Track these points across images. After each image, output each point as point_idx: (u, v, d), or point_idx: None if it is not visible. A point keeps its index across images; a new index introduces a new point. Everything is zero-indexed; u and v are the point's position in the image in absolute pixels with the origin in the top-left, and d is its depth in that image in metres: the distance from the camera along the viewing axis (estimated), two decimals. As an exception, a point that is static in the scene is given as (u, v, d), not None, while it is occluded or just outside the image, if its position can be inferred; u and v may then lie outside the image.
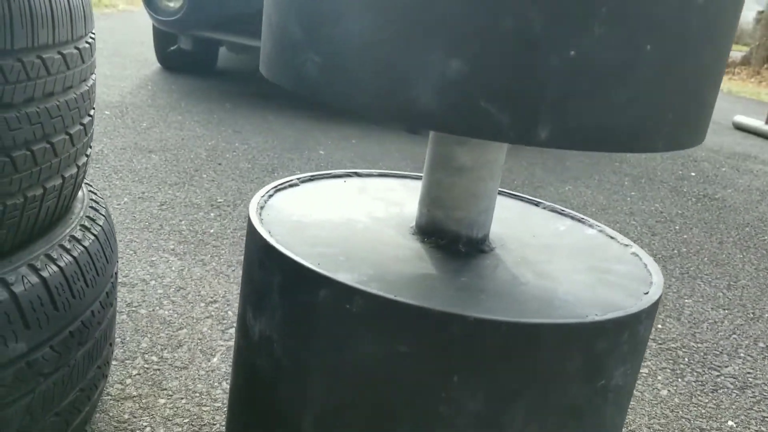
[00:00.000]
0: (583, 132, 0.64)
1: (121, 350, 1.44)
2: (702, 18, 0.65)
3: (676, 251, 2.51)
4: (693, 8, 0.64)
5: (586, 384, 0.74)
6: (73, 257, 1.02)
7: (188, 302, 1.68)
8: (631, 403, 1.50)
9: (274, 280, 0.79)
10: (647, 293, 0.82)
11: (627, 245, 0.98)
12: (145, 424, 1.23)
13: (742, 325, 1.97)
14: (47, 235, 1.03)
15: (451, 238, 0.89)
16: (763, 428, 1.46)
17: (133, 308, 1.62)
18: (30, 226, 0.98)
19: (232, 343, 1.53)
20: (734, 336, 1.89)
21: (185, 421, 1.25)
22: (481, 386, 0.70)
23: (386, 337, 0.71)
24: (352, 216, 0.95)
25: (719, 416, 1.49)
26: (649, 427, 1.42)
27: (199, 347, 1.49)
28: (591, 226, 1.04)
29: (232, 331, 1.58)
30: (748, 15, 13.64)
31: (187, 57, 4.39)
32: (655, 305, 0.80)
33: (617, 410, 0.80)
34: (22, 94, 0.88)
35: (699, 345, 1.81)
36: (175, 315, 1.61)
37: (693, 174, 3.73)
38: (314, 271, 0.74)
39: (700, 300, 2.10)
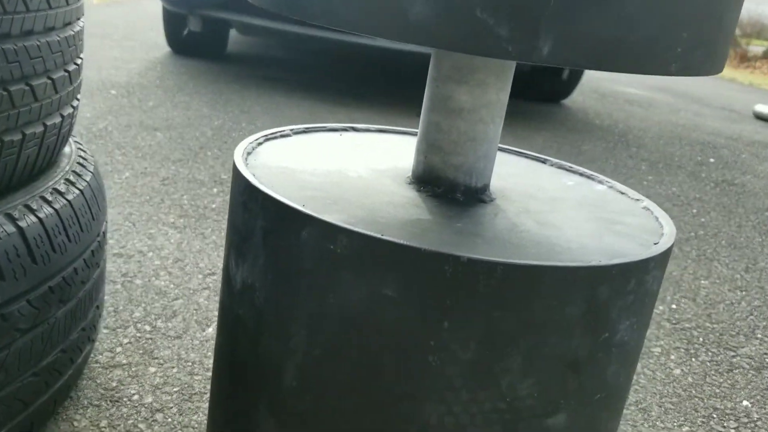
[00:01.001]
0: (589, 46, 0.58)
1: (113, 319, 1.40)
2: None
3: (693, 234, 2.44)
4: None
5: (588, 335, 0.68)
6: (55, 209, 0.98)
7: (186, 274, 1.64)
8: (642, 381, 1.43)
9: (256, 223, 0.73)
10: (657, 243, 0.76)
11: (638, 200, 0.92)
12: (133, 391, 1.18)
13: (759, 306, 1.89)
14: (28, 187, 0.99)
15: (449, 187, 0.83)
16: (781, 408, 1.40)
17: (129, 278, 1.57)
18: (8, 174, 0.94)
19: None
20: (751, 317, 1.82)
21: (175, 389, 1.20)
22: (473, 334, 0.65)
23: (372, 280, 0.65)
24: (346, 165, 0.89)
25: (734, 396, 1.42)
26: (660, 406, 1.35)
27: (195, 317, 1.45)
28: (600, 182, 0.98)
29: (229, 301, 1.53)
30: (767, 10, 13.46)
31: (198, 40, 4.35)
32: (665, 255, 0.73)
33: (622, 368, 0.74)
34: (-5, 29, 0.83)
35: (715, 325, 1.74)
36: (172, 286, 1.57)
37: (712, 160, 3.65)
38: (297, 210, 0.68)
39: (717, 281, 2.03)
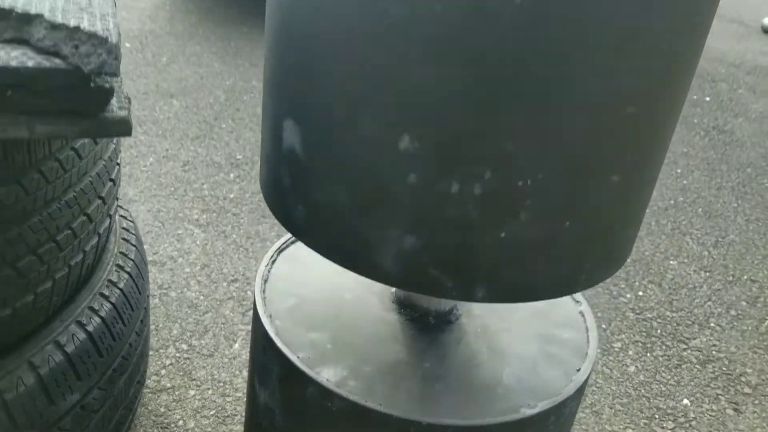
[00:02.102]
0: (512, 291, 0.80)
1: (155, 339, 1.67)
2: (616, 192, 0.79)
3: (672, 201, 2.64)
4: (608, 187, 0.78)
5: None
6: (112, 303, 1.21)
7: (212, 282, 1.89)
8: (600, 381, 1.70)
9: (273, 369, 0.97)
10: (579, 370, 1.00)
11: (578, 302, 1.14)
12: (178, 417, 1.47)
13: (719, 290, 2.14)
14: (88, 284, 1.21)
15: (423, 312, 1.06)
16: (714, 407, 1.67)
17: (164, 290, 1.83)
18: (72, 284, 1.17)
19: (250, 327, 1.75)
20: (709, 303, 2.07)
21: (212, 413, 1.49)
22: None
23: None
24: (343, 282, 1.12)
25: (677, 394, 1.70)
26: (611, 407, 1.63)
27: (223, 332, 1.72)
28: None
29: (251, 314, 1.79)
30: None
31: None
32: (582, 386, 0.97)
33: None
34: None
35: (674, 314, 1.99)
36: (201, 297, 1.83)
37: (707, 99, 3.76)
38: (304, 372, 0.92)
39: (685, 261, 2.26)
